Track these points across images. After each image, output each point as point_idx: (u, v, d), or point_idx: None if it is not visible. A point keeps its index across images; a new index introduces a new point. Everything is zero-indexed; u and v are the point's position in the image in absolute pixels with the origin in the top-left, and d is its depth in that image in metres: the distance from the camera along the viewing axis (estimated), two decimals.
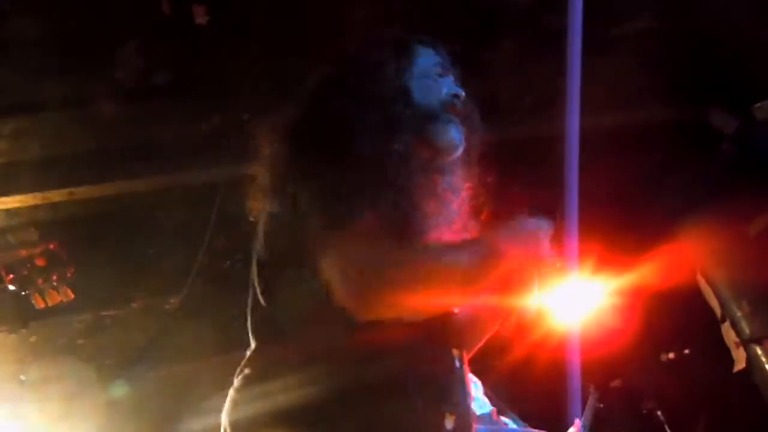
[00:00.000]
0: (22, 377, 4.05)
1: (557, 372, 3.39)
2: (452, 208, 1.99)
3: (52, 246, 2.68)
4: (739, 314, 4.65)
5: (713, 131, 4.58)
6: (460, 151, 2.05)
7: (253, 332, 2.04)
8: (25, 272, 2.83)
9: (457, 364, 2.04)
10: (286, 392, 1.85)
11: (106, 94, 3.71)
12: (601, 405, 3.51)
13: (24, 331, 3.84)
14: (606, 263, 4.74)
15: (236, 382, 2.01)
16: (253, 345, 2.04)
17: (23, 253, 2.66)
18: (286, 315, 1.92)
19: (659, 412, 4.98)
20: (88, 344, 4.60)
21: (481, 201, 2.08)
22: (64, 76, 3.66)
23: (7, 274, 2.74)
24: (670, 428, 4.92)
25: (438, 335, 1.98)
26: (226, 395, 2.03)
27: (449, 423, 1.93)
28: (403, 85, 2.01)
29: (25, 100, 3.63)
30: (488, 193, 2.10)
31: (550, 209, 2.30)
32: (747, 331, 4.62)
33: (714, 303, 4.90)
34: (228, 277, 4.49)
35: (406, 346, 1.88)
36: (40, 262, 2.81)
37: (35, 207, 3.62)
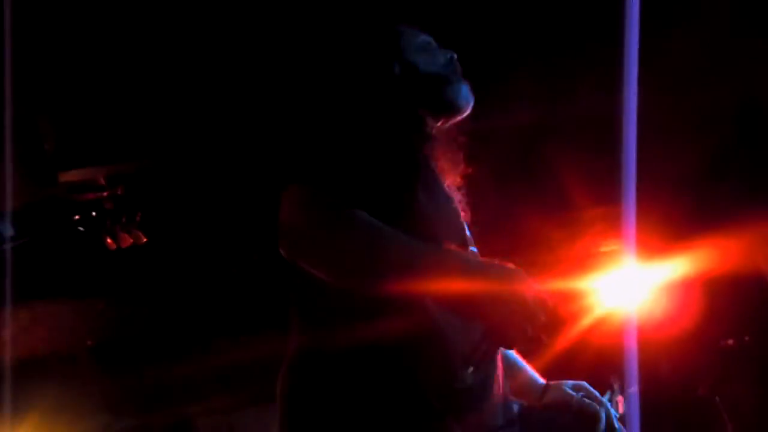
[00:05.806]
0: None
1: (614, 354, 3.37)
2: (439, 201, 1.94)
3: (119, 191, 2.63)
4: None
5: None
6: (470, 108, 2.09)
7: None
8: (93, 213, 2.78)
9: None
10: None
11: None
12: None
13: None
14: (666, 247, 4.68)
15: None
16: None
17: (90, 196, 2.63)
18: None
19: (717, 398, 4.92)
20: None
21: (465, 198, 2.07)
22: None
23: (75, 214, 2.71)
24: (727, 414, 4.86)
25: None
26: None
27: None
28: (409, 61, 2.07)
29: None
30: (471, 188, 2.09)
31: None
32: None
33: None
34: None
35: None
36: (108, 206, 2.74)
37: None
